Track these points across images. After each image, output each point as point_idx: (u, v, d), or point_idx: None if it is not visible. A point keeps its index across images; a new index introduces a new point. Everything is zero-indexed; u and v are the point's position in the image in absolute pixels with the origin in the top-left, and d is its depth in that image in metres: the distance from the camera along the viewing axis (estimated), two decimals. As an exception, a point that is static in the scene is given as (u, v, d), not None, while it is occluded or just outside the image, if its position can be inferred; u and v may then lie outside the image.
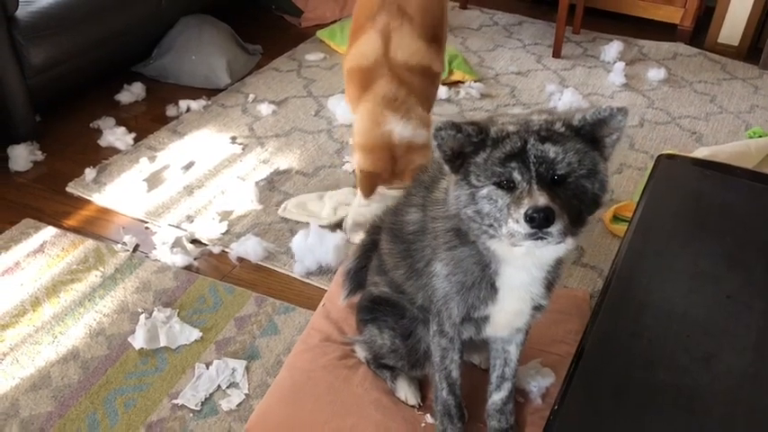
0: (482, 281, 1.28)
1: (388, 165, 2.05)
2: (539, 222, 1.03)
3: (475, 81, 3.09)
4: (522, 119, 1.13)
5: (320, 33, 3.44)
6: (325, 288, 1.99)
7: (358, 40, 2.13)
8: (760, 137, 2.70)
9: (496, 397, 1.52)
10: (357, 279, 1.77)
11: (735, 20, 3.48)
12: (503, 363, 1.50)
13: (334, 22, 3.64)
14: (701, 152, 2.47)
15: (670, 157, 1.86)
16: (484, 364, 1.68)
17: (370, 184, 2.08)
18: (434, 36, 2.20)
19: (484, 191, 1.10)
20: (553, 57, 3.41)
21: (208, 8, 3.22)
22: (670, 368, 1.23)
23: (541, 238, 1.06)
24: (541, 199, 1.04)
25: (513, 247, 1.12)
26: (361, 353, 1.71)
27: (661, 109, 3.01)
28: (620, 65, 3.24)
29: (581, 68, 3.32)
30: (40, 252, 2.08)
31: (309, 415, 1.58)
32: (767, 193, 1.70)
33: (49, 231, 2.15)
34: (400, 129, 2.01)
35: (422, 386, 1.66)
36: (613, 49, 3.38)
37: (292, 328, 1.87)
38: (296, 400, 1.62)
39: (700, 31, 3.64)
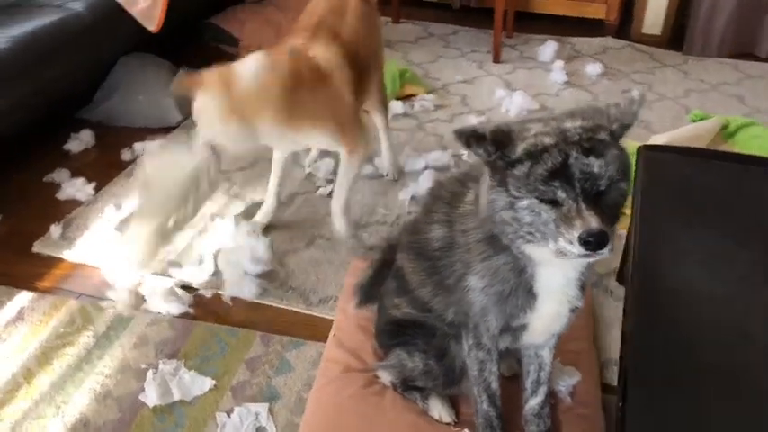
0: (519, 287, 1.29)
1: None
2: (594, 246, 1.04)
3: (427, 93, 3.13)
4: (555, 128, 1.11)
5: (263, 60, 3.39)
6: (329, 317, 1.96)
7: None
8: (702, 119, 2.86)
9: (533, 402, 1.54)
10: (368, 292, 1.76)
11: (656, 10, 3.68)
12: (537, 368, 1.51)
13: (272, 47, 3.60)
14: (657, 139, 2.59)
15: (649, 147, 1.94)
16: (507, 371, 1.69)
17: None
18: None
19: (524, 202, 1.09)
20: (494, 62, 3.50)
21: (144, 46, 3.12)
22: (715, 349, 1.28)
23: (593, 256, 1.08)
24: (594, 222, 1.03)
25: (557, 258, 1.13)
26: (386, 377, 1.69)
27: (605, 101, 3.13)
28: (560, 63, 3.36)
29: (522, 71, 3.42)
30: (20, 320, 1.95)
31: (350, 448, 1.55)
32: (747, 173, 1.81)
33: (24, 296, 2.02)
34: None
35: (452, 402, 1.66)
36: (549, 49, 3.51)
37: (306, 363, 1.83)
38: (332, 435, 1.58)
39: (625, 24, 3.82)
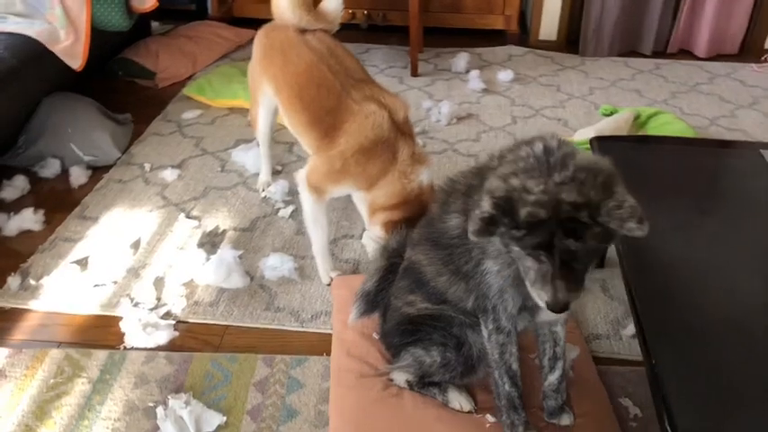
0: None
1: None
2: (555, 311, 1.25)
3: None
4: (552, 195, 1.18)
5: (187, 90, 3.37)
6: (324, 332, 2.00)
7: (353, 124, 2.00)
8: (612, 112, 3.15)
9: (552, 378, 1.66)
10: (373, 301, 1.82)
11: (550, 18, 4.00)
12: (552, 344, 1.63)
13: (190, 77, 3.58)
14: (583, 133, 2.83)
15: (599, 139, 2.14)
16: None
17: None
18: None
19: (516, 249, 1.25)
20: (412, 75, 3.66)
21: (62, 86, 3.01)
22: (710, 304, 1.46)
23: None
24: (561, 294, 1.22)
25: None
26: (400, 378, 1.76)
27: (523, 105, 3.37)
28: (476, 72, 3.57)
29: (441, 82, 3.60)
30: (2, 377, 1.84)
31: (384, 450, 1.60)
32: (688, 153, 2.04)
33: (-1, 353, 1.91)
34: None
35: (469, 391, 1.75)
36: (462, 60, 3.71)
37: (315, 377, 1.86)
38: (363, 440, 1.63)
39: (524, 32, 4.11)
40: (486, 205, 1.21)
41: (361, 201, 2.14)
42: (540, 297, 1.26)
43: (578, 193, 1.18)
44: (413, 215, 1.96)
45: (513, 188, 1.21)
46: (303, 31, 2.22)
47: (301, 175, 2.12)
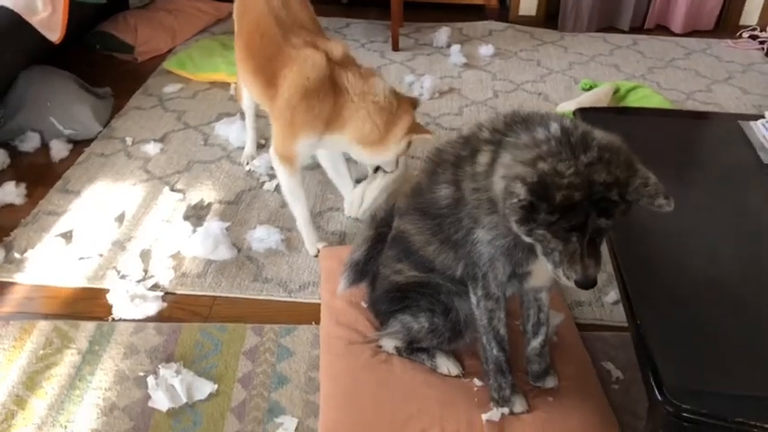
0: (519, 244, 1.42)
1: None
2: (588, 287, 1.28)
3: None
4: (584, 177, 1.19)
5: (167, 65, 3.33)
6: (312, 301, 2.02)
7: (291, 69, 2.01)
8: (591, 87, 3.19)
9: (535, 343, 1.70)
10: (361, 270, 1.85)
11: (529, -7, 4.01)
12: (537, 310, 1.67)
13: (170, 51, 3.54)
14: (565, 107, 2.87)
15: (582, 110, 2.17)
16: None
17: None
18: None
19: (540, 232, 1.25)
20: (393, 50, 3.66)
21: (39, 59, 2.96)
22: (700, 267, 1.50)
23: None
24: (591, 271, 1.25)
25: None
26: (389, 344, 1.79)
27: (504, 79, 3.40)
28: (457, 47, 3.58)
29: (422, 57, 3.61)
30: (-9, 349, 1.84)
31: (375, 413, 1.63)
32: (668, 123, 2.09)
33: (-15, 325, 1.91)
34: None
35: (456, 357, 1.79)
36: (443, 35, 3.72)
37: (305, 345, 1.88)
38: (354, 404, 1.66)
39: (504, 8, 4.12)
40: (521, 192, 1.19)
41: (355, 153, 2.12)
42: (568, 277, 1.27)
43: (608, 173, 1.20)
44: (413, 114, 2.02)
45: (544, 173, 1.21)
46: None
47: (271, 150, 2.15)
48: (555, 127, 1.28)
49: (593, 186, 1.20)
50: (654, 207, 1.23)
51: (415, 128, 2.05)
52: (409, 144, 2.07)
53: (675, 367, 1.26)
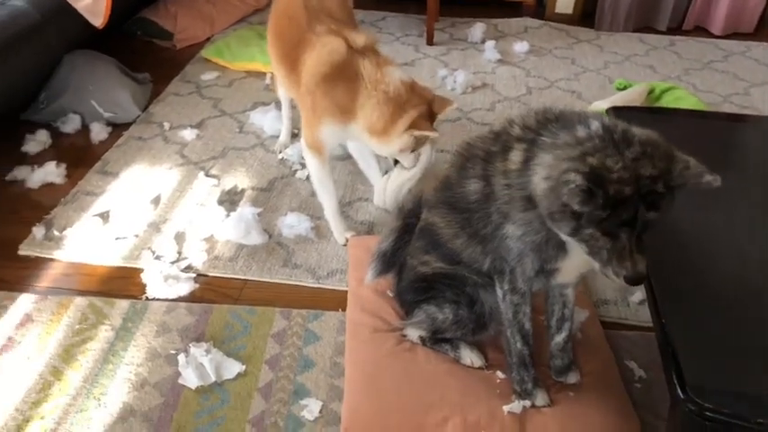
0: (550, 240, 1.43)
1: None
2: (637, 283, 1.27)
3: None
4: (632, 172, 1.20)
5: (205, 53, 3.39)
6: (339, 289, 2.06)
7: (311, 55, 2.06)
8: (626, 86, 3.17)
9: (559, 338, 1.71)
10: (389, 261, 1.87)
11: (567, -9, 3.99)
12: (561, 306, 1.69)
13: (208, 39, 3.61)
14: (598, 105, 2.86)
15: (615, 109, 2.17)
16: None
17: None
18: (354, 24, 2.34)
19: (588, 231, 1.26)
20: (427, 44, 3.67)
21: (82, 43, 3.04)
22: (729, 268, 1.50)
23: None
24: (641, 266, 1.25)
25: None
26: (413, 334, 1.81)
27: (538, 76, 3.39)
28: (491, 43, 3.58)
29: (456, 52, 3.62)
30: (30, 322, 1.90)
31: (397, 399, 1.66)
32: (702, 124, 2.08)
33: (26, 299, 1.97)
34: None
35: (479, 348, 1.81)
36: (478, 30, 3.72)
37: (331, 331, 1.92)
38: (377, 390, 1.69)
39: (540, 5, 4.11)
40: (578, 179, 1.19)
41: (367, 142, 2.11)
42: (617, 274, 1.26)
43: (653, 167, 1.21)
44: (422, 110, 1.99)
45: (594, 167, 1.21)
46: None
47: (302, 139, 2.19)
48: (596, 125, 1.28)
49: (641, 180, 1.20)
50: (702, 185, 1.23)
51: (418, 124, 2.00)
52: (416, 140, 2.03)
53: (699, 366, 1.27)
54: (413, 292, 1.79)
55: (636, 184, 1.20)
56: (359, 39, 2.07)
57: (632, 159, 1.21)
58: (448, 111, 2.08)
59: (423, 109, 2.01)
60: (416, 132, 2.00)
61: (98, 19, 2.86)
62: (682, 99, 2.91)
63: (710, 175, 1.23)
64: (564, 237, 1.33)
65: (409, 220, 1.84)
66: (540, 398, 1.65)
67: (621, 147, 1.23)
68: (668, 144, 1.27)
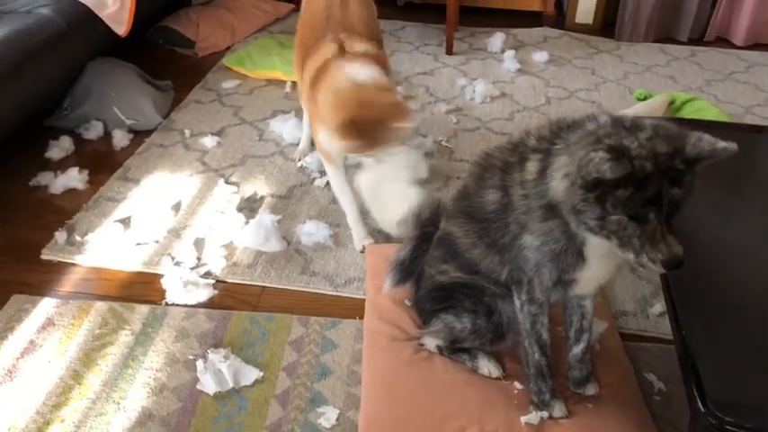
0: (570, 249, 1.43)
1: None
2: (675, 267, 1.24)
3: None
4: (649, 149, 1.19)
5: (227, 61, 3.43)
6: (357, 297, 2.06)
7: (311, 60, 2.10)
8: (646, 97, 3.15)
9: (577, 349, 1.70)
10: (407, 270, 1.87)
11: (587, 1, 3.98)
12: (580, 317, 1.68)
13: (228, 48, 3.64)
14: (618, 116, 2.84)
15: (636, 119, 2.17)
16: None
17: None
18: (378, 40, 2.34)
19: (615, 218, 1.24)
20: (447, 54, 3.68)
21: (105, 51, 3.08)
22: (750, 281, 1.49)
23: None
24: (677, 248, 1.22)
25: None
26: (431, 343, 1.81)
27: (557, 86, 3.38)
28: (511, 53, 3.58)
29: (476, 61, 3.62)
30: (51, 325, 1.93)
31: (415, 408, 1.66)
32: (723, 135, 2.06)
33: (47, 303, 2.00)
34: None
35: (497, 359, 1.80)
36: (497, 40, 3.72)
37: (349, 339, 1.92)
38: (395, 398, 1.69)
39: (560, 15, 4.11)
40: (600, 152, 1.17)
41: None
42: (653, 260, 1.23)
43: (667, 144, 1.21)
44: (363, 115, 1.86)
45: (612, 145, 1.20)
46: None
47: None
48: (604, 118, 1.30)
49: (659, 157, 1.20)
50: (718, 154, 1.22)
51: (342, 132, 1.88)
52: (361, 144, 1.92)
53: (719, 379, 1.26)
54: (431, 301, 1.79)
55: (654, 161, 1.20)
56: (357, 45, 2.08)
57: (646, 139, 1.21)
58: (403, 124, 1.97)
59: (353, 117, 1.88)
60: (342, 142, 1.93)
61: (121, 27, 2.91)
62: (703, 110, 2.89)
63: (725, 142, 1.22)
64: (590, 234, 1.32)
65: (427, 229, 1.85)
66: (558, 409, 1.64)
67: (634, 130, 1.24)
68: (680, 126, 1.27)
